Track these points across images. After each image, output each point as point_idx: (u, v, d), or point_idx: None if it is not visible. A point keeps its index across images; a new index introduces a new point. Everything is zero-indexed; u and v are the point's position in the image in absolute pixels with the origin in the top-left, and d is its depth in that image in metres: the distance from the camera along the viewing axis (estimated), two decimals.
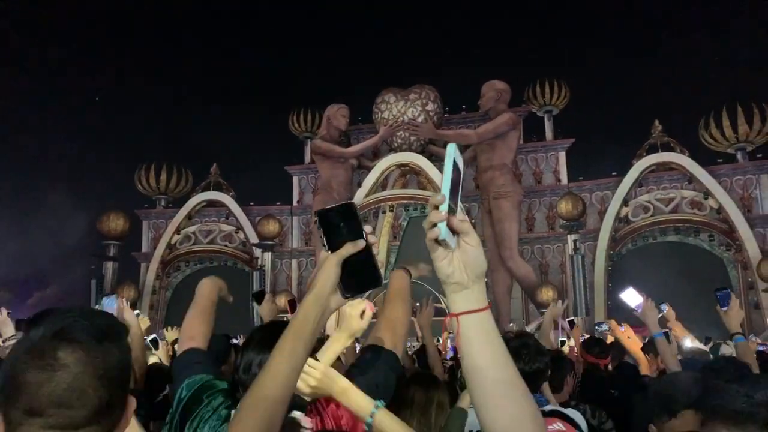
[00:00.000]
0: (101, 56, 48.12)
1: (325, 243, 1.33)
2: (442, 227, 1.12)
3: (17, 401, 1.02)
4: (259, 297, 3.80)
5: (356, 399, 1.64)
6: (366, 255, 1.31)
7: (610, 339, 7.35)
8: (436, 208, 1.12)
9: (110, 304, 3.71)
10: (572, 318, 7.55)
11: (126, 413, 1.09)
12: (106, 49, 49.09)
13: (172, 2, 56.06)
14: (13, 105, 42.03)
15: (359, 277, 1.31)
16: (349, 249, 1.29)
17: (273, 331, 2.11)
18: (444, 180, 1.12)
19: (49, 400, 1.01)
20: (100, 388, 1.03)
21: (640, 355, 4.72)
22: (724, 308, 3.45)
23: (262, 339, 2.20)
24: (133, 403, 1.11)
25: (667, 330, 4.89)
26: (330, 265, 1.30)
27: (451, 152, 1.13)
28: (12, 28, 43.95)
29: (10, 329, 3.58)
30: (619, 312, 21.22)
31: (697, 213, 24.66)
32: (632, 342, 4.90)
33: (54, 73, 44.78)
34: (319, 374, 1.66)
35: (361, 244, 1.30)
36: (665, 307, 4.71)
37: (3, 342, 3.64)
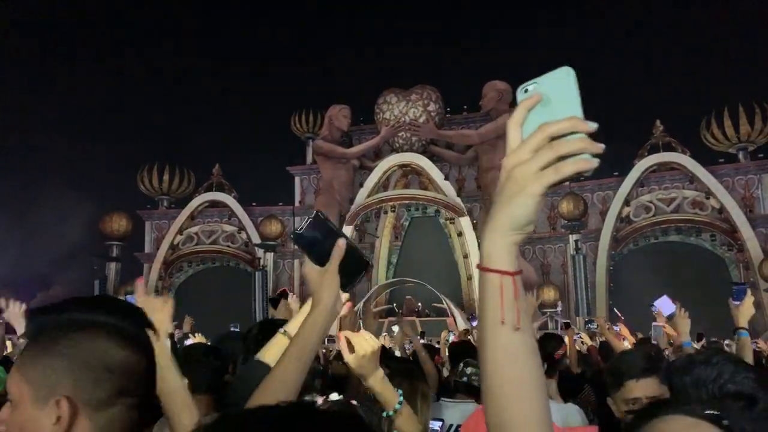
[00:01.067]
0: (103, 56, 48.29)
1: (312, 259, 1.42)
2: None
3: (106, 383, 1.06)
4: (275, 302, 3.86)
5: (389, 390, 1.77)
6: (348, 248, 1.40)
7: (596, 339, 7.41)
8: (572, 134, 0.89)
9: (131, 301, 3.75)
10: (567, 320, 7.66)
11: None
12: (108, 48, 49.23)
13: (175, 1, 56.22)
14: (13, 103, 42.19)
15: (350, 269, 1.41)
16: (336, 257, 1.39)
17: (268, 329, 2.18)
18: (576, 102, 0.91)
19: (139, 379, 1.10)
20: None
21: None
22: (737, 302, 3.51)
23: (258, 337, 2.27)
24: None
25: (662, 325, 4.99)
26: (332, 280, 1.39)
27: (570, 72, 0.94)
28: (12, 24, 44.10)
29: (21, 325, 3.39)
30: (619, 312, 21.25)
31: (699, 213, 24.66)
32: (619, 343, 4.99)
33: (55, 72, 44.91)
34: (372, 353, 1.73)
35: (342, 243, 1.39)
36: (663, 307, 4.82)
37: (18, 339, 3.53)
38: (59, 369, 1.04)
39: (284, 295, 3.70)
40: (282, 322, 1.88)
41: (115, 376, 1.06)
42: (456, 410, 3.10)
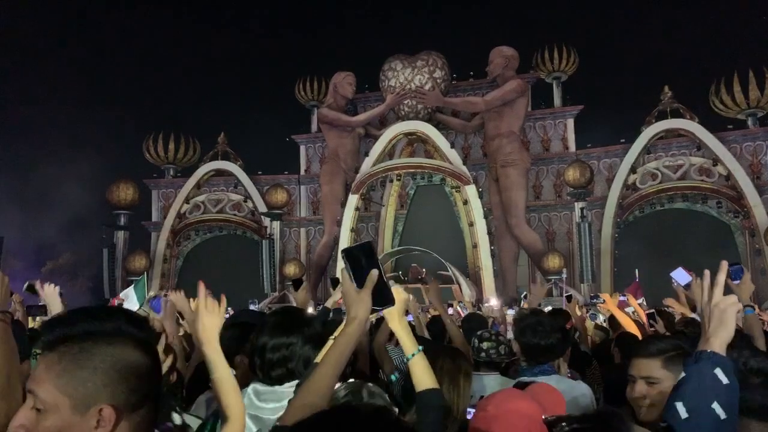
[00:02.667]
0: (109, 22, 47.79)
1: (348, 274, 1.69)
2: None
3: (137, 389, 1.20)
4: (297, 284, 4.40)
5: (409, 337, 1.93)
6: (381, 281, 1.69)
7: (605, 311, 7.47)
8: None
9: (156, 305, 3.87)
10: (570, 293, 7.74)
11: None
12: (113, 15, 48.71)
13: None
14: (19, 73, 42.02)
15: (378, 297, 1.69)
16: (370, 283, 1.67)
17: (285, 316, 2.34)
18: None
19: (157, 381, 1.26)
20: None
21: (633, 329, 4.85)
22: (736, 281, 3.60)
23: (276, 324, 2.37)
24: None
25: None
26: (366, 300, 1.67)
27: None
28: None
29: (58, 305, 3.44)
30: (624, 279, 21.42)
31: (706, 180, 24.56)
32: (623, 315, 5.06)
33: (60, 39, 44.48)
34: (401, 301, 1.89)
35: (375, 274, 1.67)
36: (679, 278, 4.90)
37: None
38: (98, 381, 1.15)
39: (301, 281, 4.46)
40: (298, 311, 2.12)
41: (143, 382, 1.20)
42: (479, 383, 3.17)
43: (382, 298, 1.70)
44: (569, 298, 7.29)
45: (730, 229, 24.89)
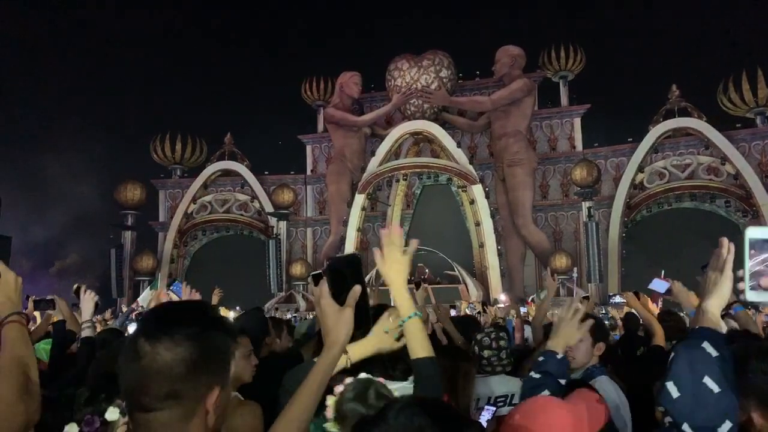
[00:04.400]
0: (116, 24, 48.01)
1: (329, 285, 1.57)
2: None
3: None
4: (317, 278, 4.14)
5: (406, 301, 1.89)
6: (362, 299, 1.57)
7: (622, 312, 7.43)
8: None
9: (177, 289, 4.01)
10: (587, 294, 7.67)
11: (204, 403, 1.23)
12: (120, 17, 48.95)
13: None
14: (25, 74, 42.29)
15: (357, 317, 1.56)
16: (352, 299, 1.56)
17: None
18: None
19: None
20: (163, 379, 1.19)
21: (657, 327, 4.78)
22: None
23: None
24: (214, 394, 1.24)
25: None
26: (348, 321, 1.56)
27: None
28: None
29: (89, 312, 3.73)
30: (631, 279, 21.30)
31: (714, 179, 24.41)
32: (649, 313, 4.98)
33: (68, 40, 44.69)
34: (405, 261, 1.88)
35: (358, 289, 1.56)
36: (657, 287, 4.89)
37: (81, 325, 3.81)
38: (217, 369, 1.26)
39: (321, 275, 4.03)
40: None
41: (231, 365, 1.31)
42: (485, 386, 3.11)
43: (359, 318, 1.56)
44: (586, 299, 7.21)
45: (739, 229, 24.63)
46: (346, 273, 1.58)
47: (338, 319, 1.55)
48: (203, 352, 1.21)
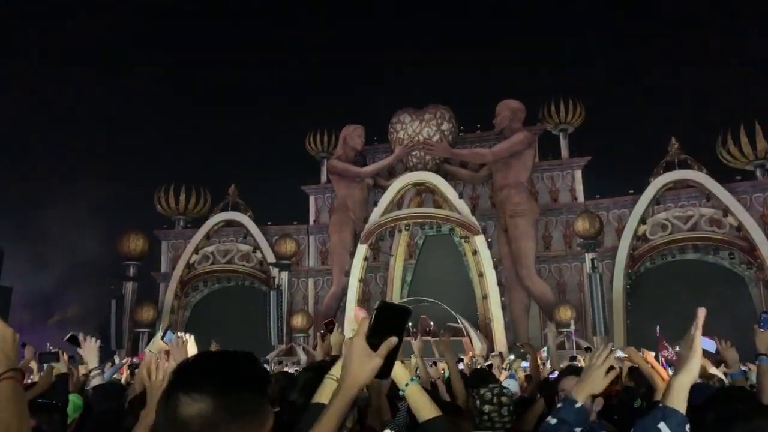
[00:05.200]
0: (120, 74, 49.15)
1: (370, 328, 1.52)
2: None
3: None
4: (329, 326, 4.12)
5: (399, 370, 1.87)
6: (393, 352, 1.53)
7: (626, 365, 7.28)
8: None
9: (170, 339, 4.02)
10: (588, 345, 7.56)
11: None
12: (123, 67, 50.17)
13: (191, 25, 57.26)
14: (30, 120, 42.98)
15: (383, 366, 1.53)
16: (385, 349, 1.50)
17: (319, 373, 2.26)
18: None
19: None
20: None
21: (659, 381, 4.69)
22: (762, 329, 3.51)
23: (307, 381, 2.34)
24: None
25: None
26: (375, 365, 1.50)
27: None
28: (27, 47, 45.12)
29: (94, 359, 3.66)
30: (637, 331, 20.94)
31: (717, 231, 24.37)
32: (652, 368, 4.89)
33: (72, 93, 45.66)
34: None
35: (394, 341, 1.50)
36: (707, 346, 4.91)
37: (88, 373, 3.73)
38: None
39: (333, 325, 4.03)
40: (323, 366, 2.03)
41: None
42: None
43: (382, 369, 1.52)
44: (588, 351, 7.13)
45: (744, 281, 24.52)
46: (392, 321, 1.52)
47: (365, 363, 1.49)
48: (228, 412, 1.16)
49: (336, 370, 1.85)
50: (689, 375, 1.65)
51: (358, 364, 1.49)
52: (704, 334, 1.85)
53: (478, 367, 9.26)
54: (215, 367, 1.23)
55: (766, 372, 3.44)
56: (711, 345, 4.80)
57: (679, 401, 1.60)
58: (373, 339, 1.50)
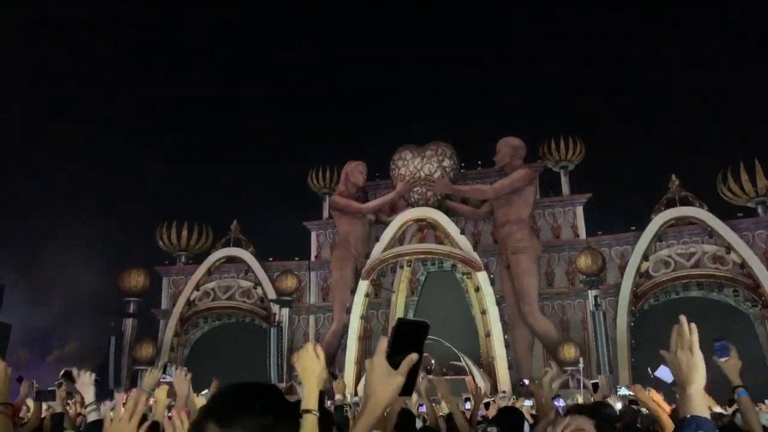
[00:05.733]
0: (118, 111, 49.76)
1: (389, 345, 1.50)
2: None
3: None
4: (332, 376, 4.13)
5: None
6: (415, 368, 1.50)
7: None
8: None
9: (169, 374, 4.03)
10: (596, 381, 7.39)
11: None
12: (122, 104, 50.86)
13: (195, 62, 58.28)
14: (29, 157, 43.30)
15: (405, 384, 1.50)
16: (406, 366, 1.48)
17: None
18: None
19: None
20: None
21: (666, 419, 4.59)
22: (723, 359, 3.34)
23: None
24: None
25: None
26: (398, 386, 1.48)
27: None
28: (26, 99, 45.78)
29: (91, 394, 3.62)
30: (642, 369, 20.63)
31: (720, 268, 24.25)
32: (658, 406, 4.80)
33: (73, 130, 46.13)
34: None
35: (414, 357, 1.48)
36: (663, 376, 4.70)
37: (85, 408, 3.71)
38: None
39: (335, 376, 4.10)
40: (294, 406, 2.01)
41: None
42: None
43: (406, 386, 1.50)
44: (595, 386, 6.97)
45: (749, 319, 24.27)
46: (410, 337, 1.51)
47: (387, 383, 1.47)
48: None
49: (311, 403, 1.86)
50: (701, 379, 1.66)
51: (381, 385, 1.47)
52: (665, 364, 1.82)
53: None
54: (247, 399, 1.23)
55: (748, 405, 3.27)
56: (667, 375, 4.38)
57: (702, 408, 1.61)
58: (394, 357, 1.48)
